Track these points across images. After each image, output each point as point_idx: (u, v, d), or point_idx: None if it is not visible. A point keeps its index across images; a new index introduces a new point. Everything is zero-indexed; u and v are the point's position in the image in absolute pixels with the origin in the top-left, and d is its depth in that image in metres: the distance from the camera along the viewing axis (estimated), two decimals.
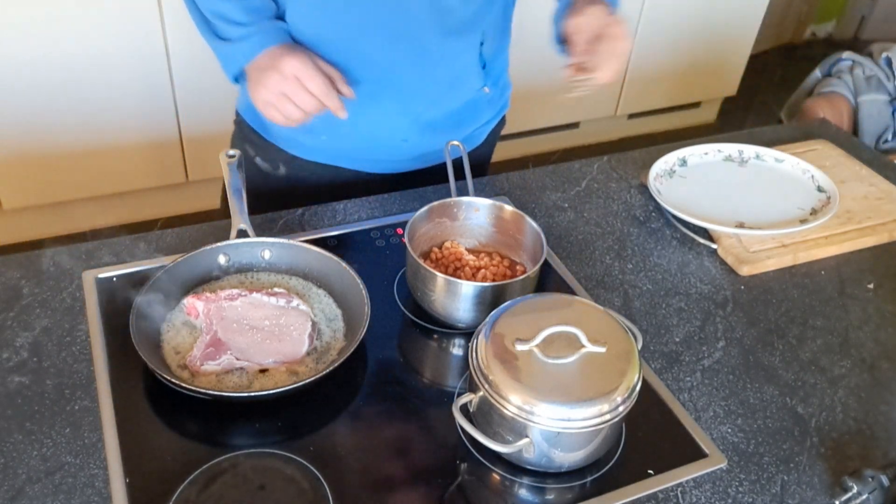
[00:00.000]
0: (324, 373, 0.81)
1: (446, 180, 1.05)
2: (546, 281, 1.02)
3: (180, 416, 0.82)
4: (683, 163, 1.27)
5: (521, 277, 0.90)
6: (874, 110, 2.15)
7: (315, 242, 0.98)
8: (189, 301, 0.90)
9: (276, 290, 0.93)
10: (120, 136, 2.26)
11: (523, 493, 0.78)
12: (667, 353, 0.95)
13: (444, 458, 0.80)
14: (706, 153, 1.30)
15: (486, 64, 1.12)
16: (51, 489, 0.74)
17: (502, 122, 1.31)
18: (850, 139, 1.43)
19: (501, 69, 1.19)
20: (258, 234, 0.98)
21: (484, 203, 1.02)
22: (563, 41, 1.06)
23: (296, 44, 1.01)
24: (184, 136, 2.34)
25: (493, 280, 0.95)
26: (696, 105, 3.28)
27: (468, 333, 0.93)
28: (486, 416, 0.77)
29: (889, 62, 2.19)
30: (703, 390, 0.90)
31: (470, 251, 1.01)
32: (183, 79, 2.22)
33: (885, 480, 0.75)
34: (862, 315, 1.03)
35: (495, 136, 1.31)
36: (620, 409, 0.74)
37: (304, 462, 0.78)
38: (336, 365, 0.82)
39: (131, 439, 0.79)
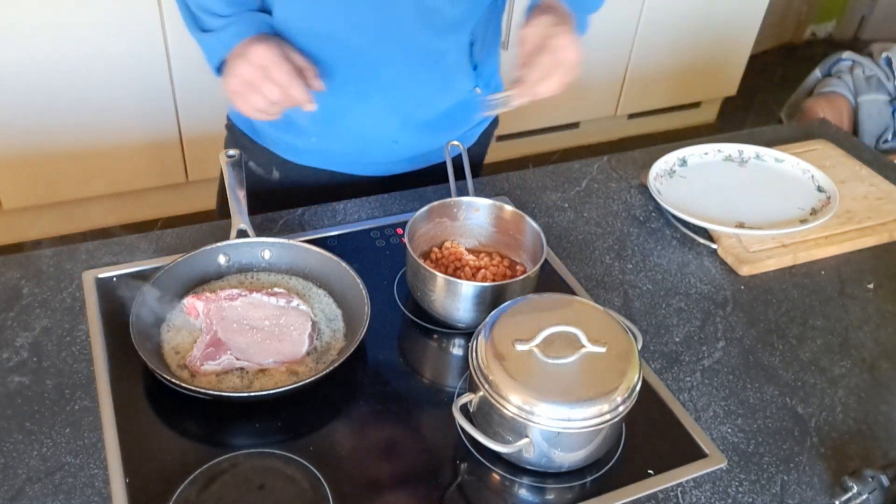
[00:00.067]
0: (324, 373, 0.81)
1: (440, 182, 1.04)
2: (546, 281, 1.02)
3: (180, 416, 0.82)
4: (683, 163, 1.27)
5: (521, 277, 0.90)
6: (874, 110, 2.16)
7: (315, 242, 0.98)
8: (189, 301, 0.90)
9: (276, 290, 0.93)
10: (120, 136, 2.26)
11: (523, 493, 0.78)
12: (667, 353, 0.95)
13: (444, 458, 0.80)
14: (706, 153, 1.30)
15: (476, 65, 1.11)
16: (51, 489, 0.74)
17: (495, 122, 1.30)
18: (850, 139, 1.43)
19: (493, 70, 1.19)
20: (258, 234, 0.98)
21: (484, 203, 1.02)
22: None
23: (273, 35, 1.00)
24: (184, 136, 2.34)
25: (493, 280, 0.95)
26: (696, 105, 3.28)
27: (468, 333, 0.93)
28: (486, 416, 0.77)
29: (889, 62, 2.19)
30: (703, 390, 0.90)
31: (470, 251, 1.01)
32: (183, 79, 2.22)
33: (885, 480, 0.75)
34: (862, 315, 1.03)
35: (488, 137, 1.30)
36: (620, 409, 0.74)
37: (304, 462, 0.78)
38: (336, 365, 0.82)
39: (131, 439, 0.79)
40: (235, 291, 0.92)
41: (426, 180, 1.19)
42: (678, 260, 1.10)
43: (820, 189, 1.22)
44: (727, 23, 3.00)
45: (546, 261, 0.97)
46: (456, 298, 0.91)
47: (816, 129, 1.46)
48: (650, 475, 0.80)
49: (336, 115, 1.08)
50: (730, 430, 0.86)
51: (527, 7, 1.02)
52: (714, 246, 1.12)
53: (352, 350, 0.83)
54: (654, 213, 1.19)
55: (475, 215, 1.02)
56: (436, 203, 1.00)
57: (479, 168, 1.34)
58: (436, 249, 1.01)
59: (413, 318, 0.96)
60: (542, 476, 0.79)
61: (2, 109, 2.10)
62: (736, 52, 3.13)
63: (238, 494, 0.74)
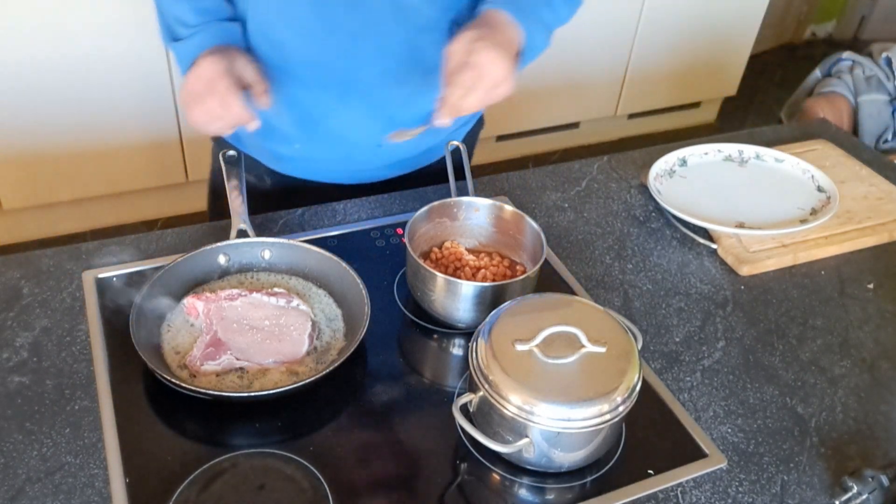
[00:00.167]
0: (324, 373, 0.81)
1: (437, 183, 1.04)
2: (546, 281, 1.02)
3: (180, 416, 0.82)
4: (683, 163, 1.27)
5: (521, 277, 0.90)
6: (874, 110, 2.15)
7: (315, 242, 0.98)
8: (189, 301, 0.90)
9: (276, 290, 0.93)
10: (120, 136, 2.27)
11: (523, 493, 0.78)
12: (667, 353, 0.95)
13: (444, 458, 0.80)
14: (706, 153, 1.30)
15: None
16: (51, 489, 0.74)
17: (480, 122, 1.29)
18: (850, 139, 1.43)
19: None
20: (258, 234, 0.98)
21: (484, 203, 1.02)
22: None
23: (235, 46, 0.99)
24: (184, 136, 2.34)
25: (493, 280, 0.95)
26: (696, 105, 3.28)
27: (468, 333, 0.93)
28: (486, 416, 0.77)
29: (889, 62, 2.19)
30: (703, 390, 0.90)
31: (470, 251, 1.01)
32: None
33: (885, 480, 0.75)
34: (862, 315, 1.03)
35: (474, 138, 1.29)
36: (620, 409, 0.74)
37: (304, 462, 0.78)
38: (336, 365, 0.81)
39: (131, 439, 0.79)
40: (235, 291, 0.92)
41: (419, 183, 1.19)
42: (678, 260, 1.10)
43: (820, 189, 1.22)
44: (727, 23, 3.00)
45: (546, 261, 0.97)
46: (456, 298, 0.91)
47: (816, 129, 1.46)
48: (650, 475, 0.80)
49: (318, 119, 1.07)
50: (730, 430, 0.86)
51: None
52: (714, 246, 1.12)
53: (352, 350, 0.83)
54: (654, 213, 1.19)
55: (475, 215, 1.02)
56: (436, 203, 1.00)
57: (461, 173, 1.30)
58: (436, 249, 1.01)
59: (413, 318, 0.96)
60: (542, 476, 0.79)
61: (2, 109, 2.10)
62: (736, 52, 3.13)
63: (238, 494, 0.74)
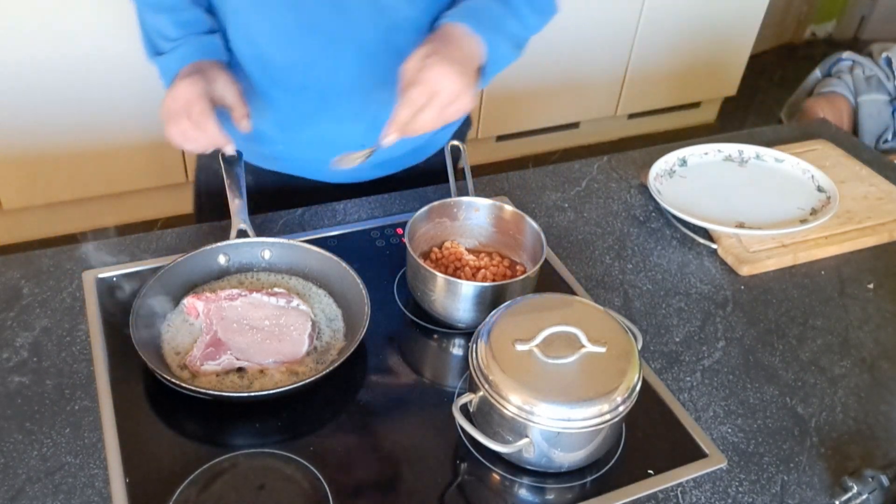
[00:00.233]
0: (324, 373, 0.81)
1: (431, 183, 1.03)
2: (546, 281, 1.02)
3: (180, 416, 0.82)
4: (683, 163, 1.27)
5: (521, 277, 0.90)
6: (874, 110, 2.16)
7: (315, 242, 0.98)
8: (189, 301, 0.90)
9: (276, 290, 0.93)
10: (120, 136, 2.27)
11: (523, 493, 0.78)
12: (667, 353, 0.95)
13: (444, 458, 0.80)
14: (706, 153, 1.30)
15: None
16: (51, 489, 0.74)
17: (467, 122, 1.28)
18: (850, 139, 1.43)
19: None
20: (258, 234, 0.98)
21: (484, 203, 1.02)
22: None
23: (217, 61, 0.99)
24: None
25: (493, 280, 0.95)
26: (696, 105, 3.28)
27: (468, 333, 0.93)
28: (486, 416, 0.77)
29: (889, 62, 2.19)
30: (703, 390, 0.90)
31: (470, 251, 1.01)
32: None
33: (885, 480, 0.75)
34: (862, 315, 1.03)
35: (461, 138, 1.27)
36: (620, 409, 0.74)
37: (304, 462, 0.78)
38: (336, 365, 0.81)
39: (131, 439, 0.79)
40: (235, 291, 0.92)
41: (419, 183, 1.19)
42: (678, 260, 1.10)
43: (820, 189, 1.22)
44: (727, 23, 3.00)
45: (546, 261, 0.97)
46: (456, 298, 0.91)
47: (816, 129, 1.46)
48: (650, 475, 0.80)
49: (300, 123, 1.07)
50: (730, 430, 0.86)
51: None
52: (714, 246, 1.12)
53: (352, 350, 0.83)
54: (654, 213, 1.19)
55: (475, 215, 1.02)
56: (436, 203, 1.00)
57: (454, 172, 1.29)
58: (436, 249, 1.01)
59: (413, 318, 0.96)
60: (542, 476, 0.79)
61: (2, 109, 2.10)
62: (736, 52, 3.14)
63: (238, 494, 0.74)
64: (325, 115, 1.06)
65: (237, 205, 0.98)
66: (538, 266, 0.92)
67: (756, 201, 1.20)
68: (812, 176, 1.25)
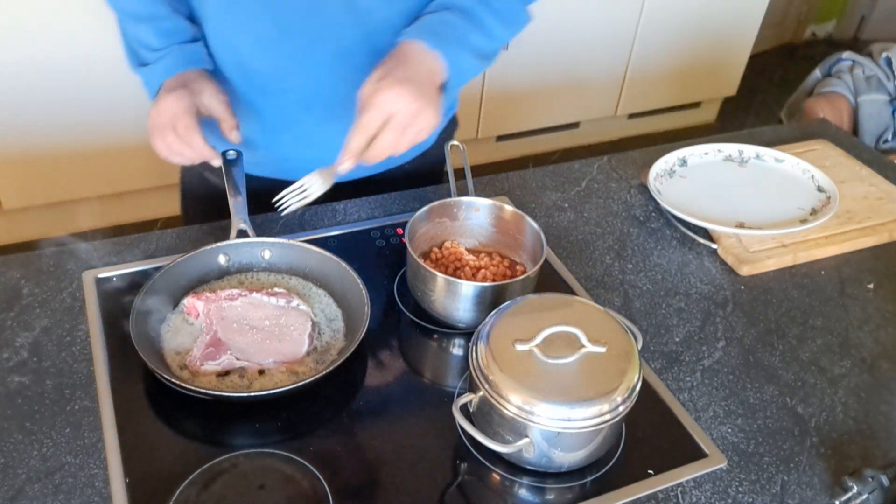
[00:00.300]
0: (324, 373, 0.81)
1: (431, 184, 1.02)
2: (546, 281, 1.02)
3: (180, 416, 0.82)
4: (683, 163, 1.27)
5: (521, 277, 0.90)
6: (874, 110, 2.16)
7: (315, 242, 0.98)
8: (189, 301, 0.90)
9: (276, 290, 0.93)
10: (120, 136, 2.26)
11: (523, 493, 0.78)
12: (667, 353, 0.95)
13: (444, 458, 0.80)
14: (706, 153, 1.30)
15: None
16: (51, 489, 0.74)
17: (453, 122, 1.26)
18: (850, 139, 1.43)
19: None
20: (258, 234, 0.98)
21: (484, 203, 1.02)
22: None
23: (202, 70, 0.98)
24: None
25: (493, 280, 0.95)
26: (696, 105, 3.28)
27: (468, 333, 0.93)
28: (486, 416, 0.77)
29: (889, 62, 2.19)
30: (703, 390, 0.90)
31: (470, 251, 1.01)
32: None
33: (885, 480, 0.75)
34: (862, 315, 1.03)
35: (449, 138, 1.28)
36: (620, 409, 0.74)
37: (304, 462, 0.78)
38: (336, 365, 0.81)
39: (131, 439, 0.79)
40: (235, 291, 0.92)
41: (419, 182, 1.18)
42: (678, 260, 1.10)
43: (820, 189, 1.22)
44: (727, 23, 3.00)
45: (546, 261, 0.97)
46: (456, 298, 0.91)
47: (816, 129, 1.46)
48: (650, 475, 0.80)
49: (281, 127, 1.07)
50: (730, 430, 0.86)
51: None
52: (714, 246, 1.12)
53: (352, 350, 0.83)
54: (654, 213, 1.19)
55: (475, 215, 1.02)
56: (436, 203, 1.00)
57: (440, 175, 1.26)
58: (436, 249, 1.01)
59: (413, 318, 0.96)
60: (542, 476, 0.79)
61: (2, 109, 2.10)
62: (736, 52, 3.14)
63: (238, 494, 0.74)
64: (305, 119, 1.06)
65: (237, 205, 0.98)
66: (538, 266, 0.92)
67: (756, 201, 1.20)
68: (812, 176, 1.25)
